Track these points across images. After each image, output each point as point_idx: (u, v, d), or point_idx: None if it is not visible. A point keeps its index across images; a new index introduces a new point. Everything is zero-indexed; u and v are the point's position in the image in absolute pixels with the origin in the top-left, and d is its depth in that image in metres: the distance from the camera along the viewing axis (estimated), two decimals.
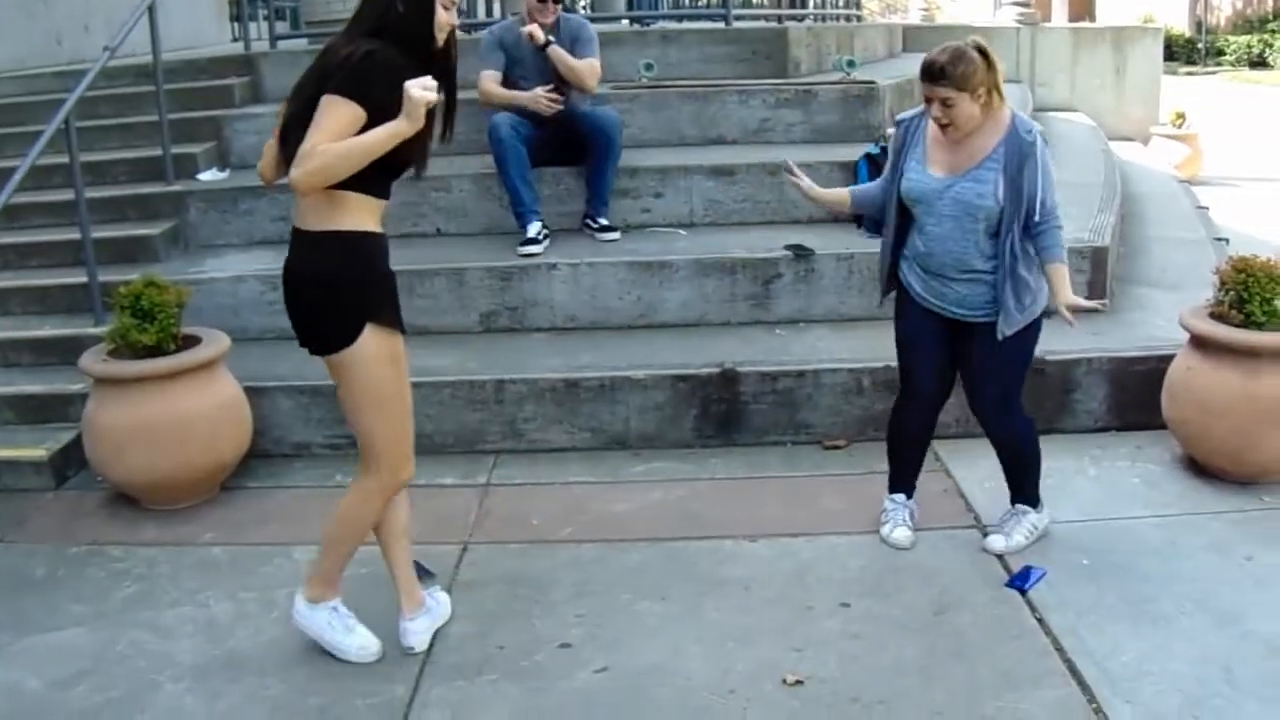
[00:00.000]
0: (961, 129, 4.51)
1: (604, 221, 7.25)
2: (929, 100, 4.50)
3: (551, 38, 7.21)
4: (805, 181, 5.02)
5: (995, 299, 4.60)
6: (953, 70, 4.41)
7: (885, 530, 5.07)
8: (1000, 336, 4.61)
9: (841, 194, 5.15)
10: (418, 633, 4.41)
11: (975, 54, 4.44)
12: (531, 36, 7.16)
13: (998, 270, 4.57)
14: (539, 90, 7.18)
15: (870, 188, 5.06)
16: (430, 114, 3.84)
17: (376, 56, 3.78)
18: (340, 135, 3.71)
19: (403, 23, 3.89)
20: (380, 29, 3.88)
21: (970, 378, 4.82)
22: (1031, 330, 4.71)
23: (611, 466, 5.93)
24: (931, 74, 4.45)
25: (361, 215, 3.94)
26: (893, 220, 4.83)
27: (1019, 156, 4.48)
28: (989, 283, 4.61)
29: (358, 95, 3.73)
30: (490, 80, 7.34)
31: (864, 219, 7.13)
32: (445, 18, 3.99)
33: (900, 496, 5.16)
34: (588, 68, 7.29)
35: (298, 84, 3.97)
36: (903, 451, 5.14)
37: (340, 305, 3.95)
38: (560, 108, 7.18)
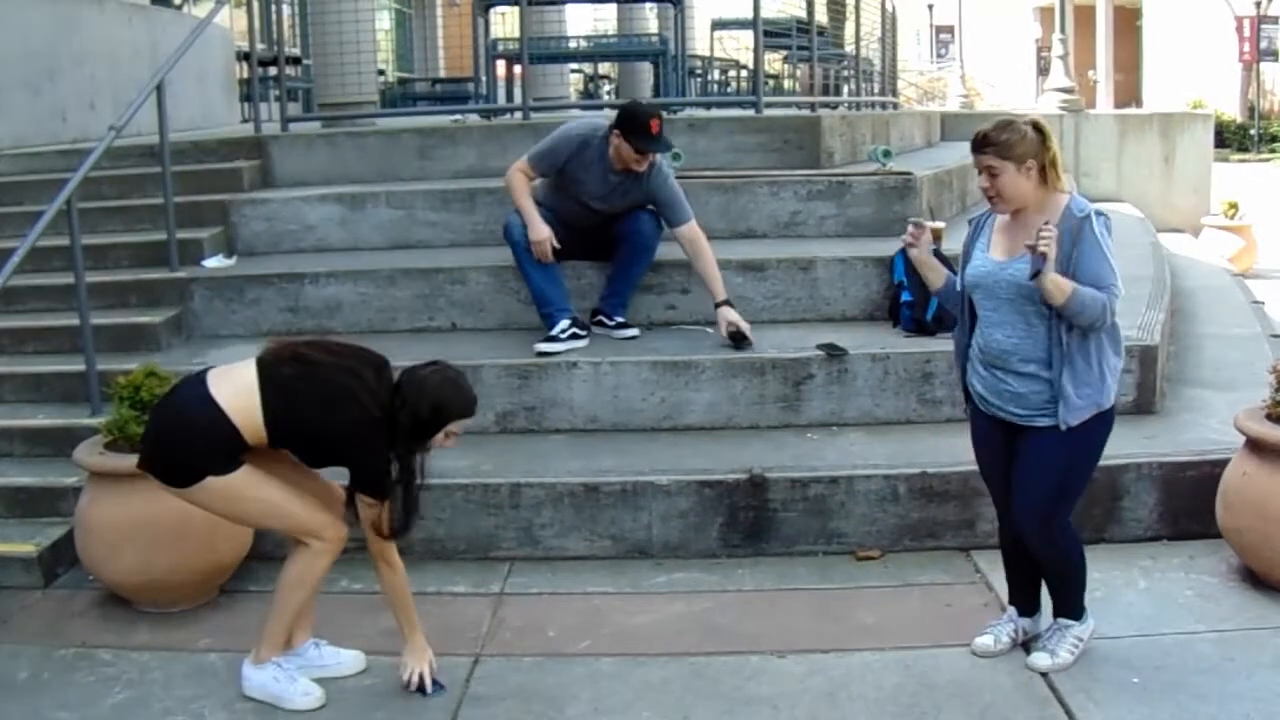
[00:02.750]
0: (1008, 201, 4.61)
1: (620, 319, 7.27)
2: (979, 171, 4.63)
3: (731, 301, 7.06)
4: (925, 241, 4.99)
5: (1054, 397, 4.61)
6: (997, 137, 4.56)
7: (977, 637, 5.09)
8: (1063, 426, 4.60)
9: (941, 273, 5.05)
10: (248, 679, 4.82)
11: (1027, 126, 4.58)
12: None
13: (1054, 361, 4.58)
14: (549, 238, 6.98)
15: (952, 280, 5.05)
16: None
17: (382, 463, 4.56)
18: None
19: (415, 429, 4.57)
20: (392, 417, 4.56)
21: (1016, 483, 4.79)
22: (1091, 439, 4.71)
23: (633, 576, 5.91)
24: (976, 142, 4.63)
25: (250, 423, 4.52)
26: (965, 319, 4.89)
27: (1071, 235, 4.52)
28: (1048, 380, 4.61)
29: (385, 493, 4.58)
30: (522, 178, 7.13)
31: (900, 317, 7.21)
32: (441, 441, 4.66)
33: (1012, 610, 5.13)
34: (712, 254, 7.13)
35: (305, 395, 4.59)
36: (1006, 566, 5.14)
37: (187, 451, 4.57)
38: (550, 260, 7.07)
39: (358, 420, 4.51)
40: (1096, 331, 4.57)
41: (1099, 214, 4.59)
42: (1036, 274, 4.41)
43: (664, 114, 7.46)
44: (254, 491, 4.60)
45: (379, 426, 4.52)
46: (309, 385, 4.55)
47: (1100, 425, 4.71)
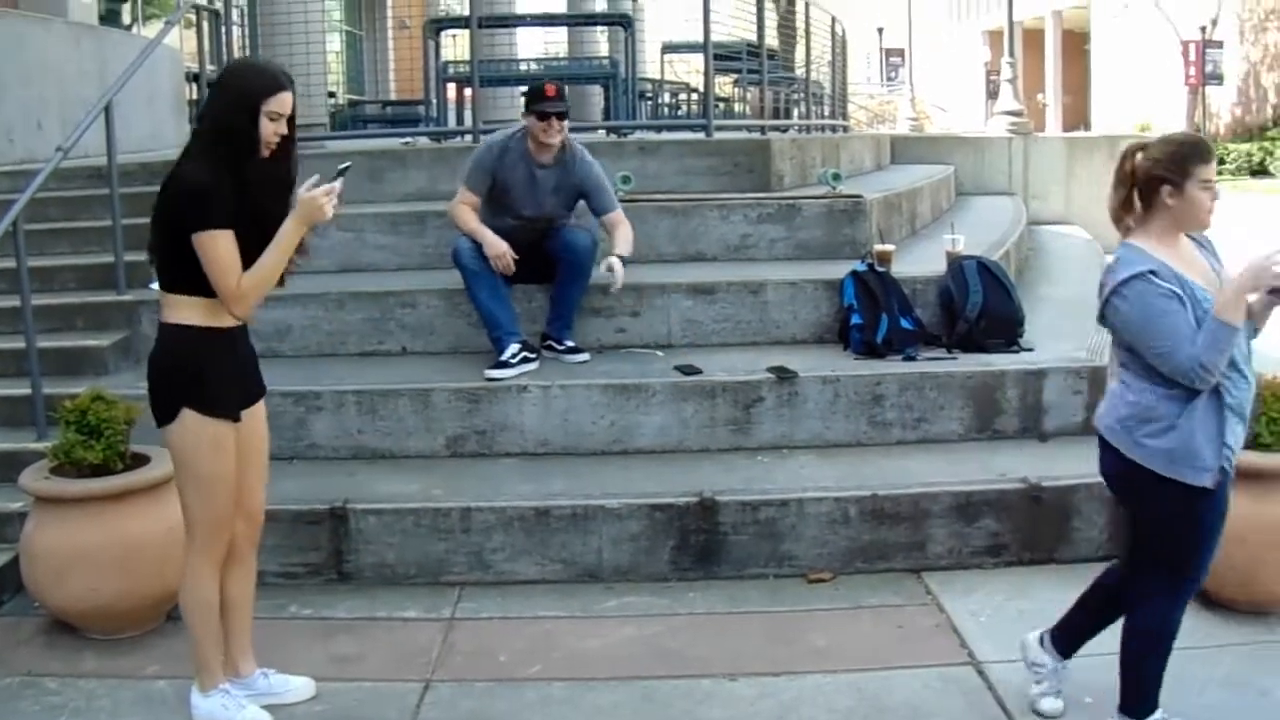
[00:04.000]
0: None
1: (570, 343, 7.29)
2: (1210, 184, 4.14)
3: (625, 257, 7.15)
4: None
5: None
6: None
7: (1037, 691, 4.71)
8: None
9: None
10: (196, 707, 4.73)
11: None
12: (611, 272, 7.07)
13: None
14: (507, 250, 7.05)
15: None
16: (262, 229, 4.42)
17: (206, 185, 4.32)
18: (235, 258, 4.35)
19: (228, 131, 4.39)
20: (209, 138, 4.43)
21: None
22: None
23: (583, 600, 5.89)
24: (1211, 154, 4.19)
25: (188, 311, 4.45)
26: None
27: (1209, 244, 4.39)
28: None
29: (216, 223, 4.31)
30: (465, 205, 7.25)
31: (850, 340, 7.23)
32: (270, 129, 4.42)
33: (1060, 657, 4.71)
34: (630, 234, 7.29)
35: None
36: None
37: (159, 387, 4.51)
38: (511, 271, 7.12)
39: (177, 175, 4.40)
40: None
41: None
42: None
43: (564, 86, 7.59)
44: (220, 446, 4.50)
45: (197, 167, 4.36)
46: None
47: None
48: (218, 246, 4.31)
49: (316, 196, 4.39)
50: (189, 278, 4.38)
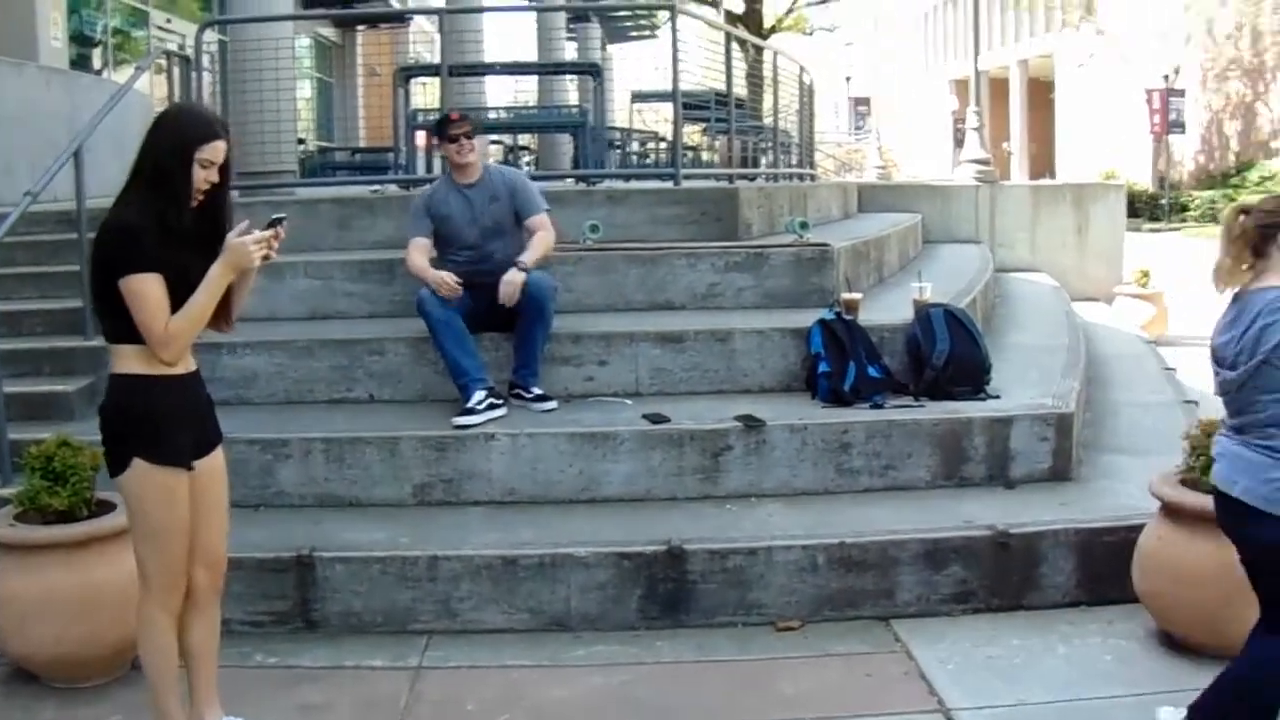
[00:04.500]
0: None
1: (537, 390, 7.28)
2: None
3: (526, 266, 7.22)
4: None
5: None
6: None
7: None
8: None
9: None
10: None
11: None
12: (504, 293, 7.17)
13: None
14: (446, 275, 7.18)
15: None
16: (188, 276, 4.33)
17: (135, 229, 4.29)
18: (163, 302, 4.29)
19: (162, 175, 4.34)
20: (140, 183, 4.38)
21: None
22: None
23: (551, 649, 5.85)
24: None
25: (133, 361, 4.39)
26: None
27: None
28: None
29: (144, 266, 4.26)
30: (414, 249, 7.46)
31: (818, 388, 7.24)
32: (201, 176, 4.37)
33: None
34: (547, 240, 7.45)
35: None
36: None
37: (110, 438, 4.46)
38: (459, 294, 7.19)
39: (107, 220, 4.38)
40: None
41: None
42: None
43: (469, 114, 8.08)
44: (172, 495, 4.42)
45: (127, 211, 4.34)
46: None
47: None
48: (145, 290, 4.27)
49: (245, 243, 4.35)
50: (129, 326, 4.33)
